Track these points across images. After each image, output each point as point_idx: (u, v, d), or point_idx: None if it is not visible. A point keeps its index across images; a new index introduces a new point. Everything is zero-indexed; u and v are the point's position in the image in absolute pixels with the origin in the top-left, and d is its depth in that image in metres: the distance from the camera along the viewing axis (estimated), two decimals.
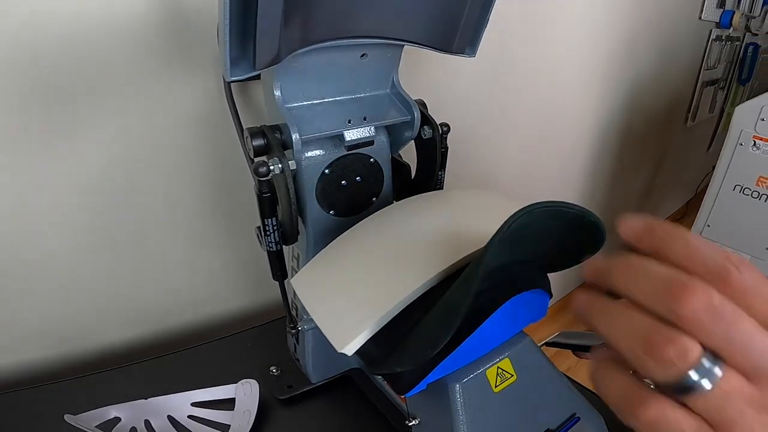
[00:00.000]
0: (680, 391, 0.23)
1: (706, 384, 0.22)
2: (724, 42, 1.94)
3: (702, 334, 0.22)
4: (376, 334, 0.38)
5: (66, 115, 0.55)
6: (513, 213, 0.31)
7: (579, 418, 0.48)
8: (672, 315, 0.23)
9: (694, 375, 0.22)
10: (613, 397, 0.25)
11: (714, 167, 1.37)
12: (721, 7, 1.77)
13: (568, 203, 0.33)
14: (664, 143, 1.94)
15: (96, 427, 0.52)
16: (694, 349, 0.22)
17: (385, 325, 0.38)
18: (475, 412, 0.44)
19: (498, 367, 0.45)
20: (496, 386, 0.45)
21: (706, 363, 0.22)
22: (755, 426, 0.22)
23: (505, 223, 0.31)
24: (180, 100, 0.61)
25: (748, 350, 0.22)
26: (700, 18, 1.71)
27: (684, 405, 0.23)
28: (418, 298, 0.39)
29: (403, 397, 0.53)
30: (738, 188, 1.32)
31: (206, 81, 0.62)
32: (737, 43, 2.06)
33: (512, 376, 0.46)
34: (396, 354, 0.38)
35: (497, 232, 0.32)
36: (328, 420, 0.59)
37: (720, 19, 1.79)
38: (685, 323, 0.22)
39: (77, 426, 0.50)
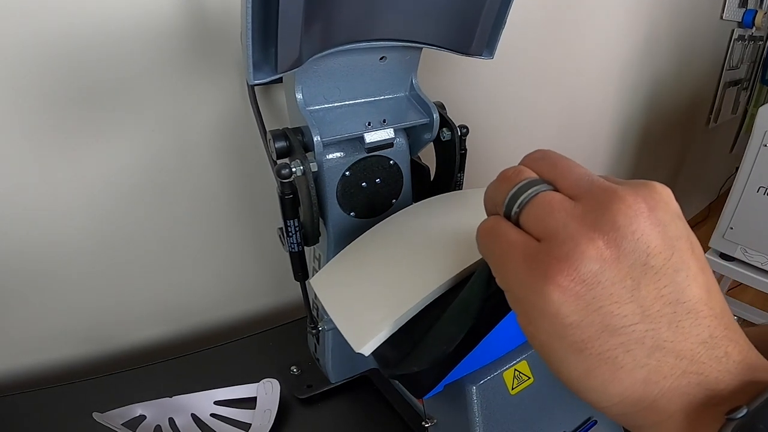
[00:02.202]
0: (512, 203, 0.26)
1: (531, 194, 0.25)
2: (746, 41, 1.90)
3: (537, 167, 0.27)
4: (393, 336, 0.38)
5: (94, 115, 0.56)
6: None
7: (596, 422, 0.48)
8: (521, 164, 0.28)
9: (523, 187, 0.26)
10: (477, 230, 0.28)
11: (737, 169, 1.35)
12: (743, 7, 1.74)
13: None
14: (686, 144, 1.91)
15: (122, 424, 0.53)
16: (527, 171, 0.27)
17: (402, 327, 0.38)
18: (492, 413, 0.44)
19: (515, 369, 0.45)
20: (512, 388, 0.45)
21: (536, 182, 0.26)
22: (575, 233, 0.22)
23: None
24: (204, 102, 0.63)
25: (569, 175, 0.25)
26: (721, 17, 1.68)
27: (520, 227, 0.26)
28: (435, 299, 0.39)
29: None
30: (762, 190, 1.29)
31: (230, 84, 0.63)
32: (760, 42, 2.02)
33: (529, 378, 0.46)
34: (413, 354, 0.38)
35: None
36: (346, 419, 0.59)
37: (742, 19, 1.77)
38: (526, 163, 0.28)
39: (105, 423, 0.51)
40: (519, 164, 0.28)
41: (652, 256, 0.22)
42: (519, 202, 0.25)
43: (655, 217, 0.22)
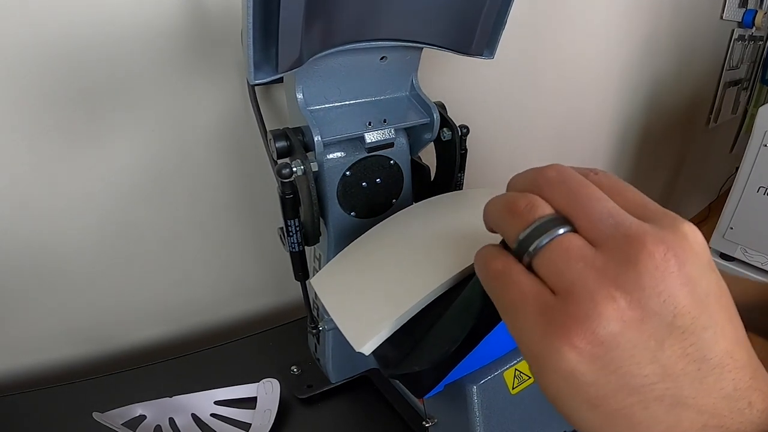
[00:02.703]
0: (526, 245, 0.23)
1: (546, 239, 0.23)
2: (746, 41, 1.90)
3: (552, 196, 0.24)
4: (393, 336, 0.38)
5: (94, 115, 0.56)
6: None
7: None
8: (533, 186, 0.25)
9: (538, 229, 0.23)
10: (476, 260, 0.26)
11: (737, 169, 1.35)
12: (743, 7, 1.74)
13: None
14: (686, 144, 1.91)
15: (122, 424, 0.53)
16: (542, 205, 0.24)
17: (402, 327, 0.38)
18: (492, 413, 0.45)
19: (516, 369, 0.45)
20: (513, 388, 0.45)
21: (552, 222, 0.23)
22: (595, 290, 0.21)
23: None
24: (205, 102, 0.63)
25: (590, 212, 0.22)
26: (721, 17, 1.68)
27: (533, 272, 0.23)
28: (435, 299, 0.39)
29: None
30: (762, 190, 1.29)
31: (231, 84, 0.63)
32: (760, 42, 2.02)
33: (530, 378, 0.46)
34: (414, 354, 0.38)
35: None
36: (347, 419, 0.59)
37: (742, 19, 1.77)
38: (541, 188, 0.24)
39: (105, 423, 0.51)
40: (530, 183, 0.25)
41: (679, 316, 0.20)
42: (533, 246, 0.23)
43: (685, 274, 0.20)
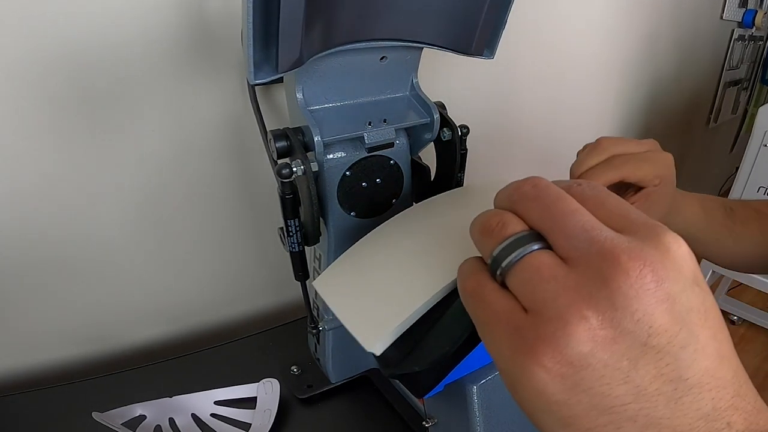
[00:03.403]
0: (498, 263, 0.23)
1: (517, 257, 0.22)
2: (746, 41, 1.91)
3: (526, 212, 0.23)
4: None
5: (94, 116, 0.57)
6: None
7: None
8: (509, 202, 0.24)
9: (509, 247, 0.23)
10: (458, 275, 0.26)
11: (737, 169, 1.35)
12: (743, 7, 1.74)
13: None
14: (686, 144, 1.91)
15: (122, 424, 0.53)
16: (514, 222, 0.23)
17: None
18: (492, 413, 0.45)
19: None
20: None
21: (524, 240, 0.23)
22: (564, 310, 0.20)
23: None
24: (205, 102, 0.63)
25: (563, 228, 0.22)
26: (721, 17, 1.68)
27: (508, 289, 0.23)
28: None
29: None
30: (762, 190, 1.29)
31: (231, 84, 0.63)
32: (760, 42, 2.02)
33: None
34: (414, 354, 0.38)
35: None
36: (347, 419, 0.59)
37: (742, 19, 1.77)
38: (515, 204, 0.24)
39: (105, 423, 0.51)
40: (506, 199, 0.25)
41: (654, 335, 0.19)
42: (505, 263, 0.23)
43: (663, 291, 0.20)
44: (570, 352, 0.20)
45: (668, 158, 0.52)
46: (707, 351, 0.20)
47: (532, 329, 0.21)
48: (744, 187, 1.32)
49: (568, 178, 1.37)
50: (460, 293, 0.26)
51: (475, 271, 0.25)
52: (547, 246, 0.22)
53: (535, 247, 0.22)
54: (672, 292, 0.20)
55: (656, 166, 0.50)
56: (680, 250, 0.21)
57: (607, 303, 0.19)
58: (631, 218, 0.22)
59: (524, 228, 0.23)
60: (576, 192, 0.24)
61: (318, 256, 0.56)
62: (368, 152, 0.49)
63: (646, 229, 0.21)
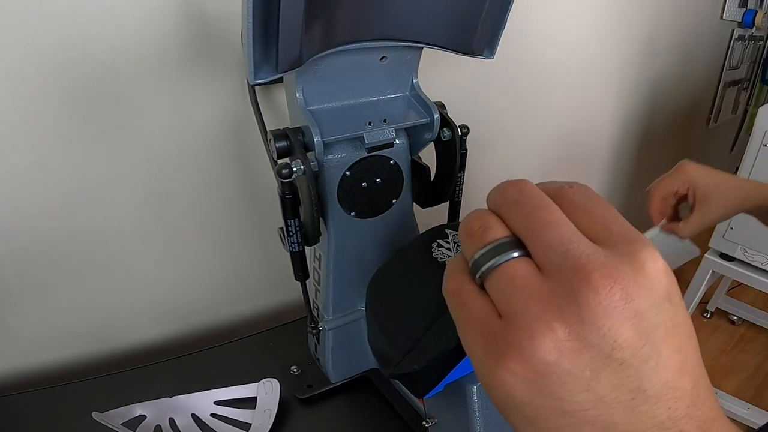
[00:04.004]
0: (477, 267, 0.24)
1: (494, 263, 0.23)
2: (746, 41, 1.91)
3: (509, 217, 0.24)
4: (393, 335, 0.38)
5: (94, 116, 0.57)
6: None
7: None
8: (494, 205, 0.25)
9: (488, 253, 0.23)
10: (444, 275, 0.26)
11: (737, 169, 1.35)
12: (743, 7, 1.74)
13: None
14: (686, 144, 1.91)
15: (122, 424, 0.53)
16: (496, 227, 0.24)
17: (401, 326, 0.38)
18: (492, 413, 0.45)
19: None
20: None
21: (503, 246, 0.23)
22: (534, 321, 0.21)
23: None
24: (205, 102, 0.63)
25: (541, 238, 0.22)
26: (721, 17, 1.68)
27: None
28: (435, 298, 0.39)
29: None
30: None
31: (231, 84, 0.63)
32: (760, 42, 2.02)
33: None
34: (414, 352, 0.38)
35: None
36: (347, 419, 0.59)
37: (742, 19, 1.77)
38: (500, 207, 0.24)
39: (105, 423, 0.51)
40: (492, 202, 0.25)
41: (618, 349, 0.20)
42: (483, 269, 0.23)
43: (631, 308, 0.20)
44: (535, 360, 0.21)
45: (683, 166, 0.69)
46: (669, 364, 0.21)
47: (503, 336, 0.22)
48: None
49: (571, 177, 1.38)
50: (443, 291, 0.26)
51: (458, 272, 0.25)
52: (527, 253, 0.23)
53: (514, 254, 0.23)
54: (640, 309, 0.20)
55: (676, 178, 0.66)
56: (655, 266, 0.21)
57: (574, 317, 0.20)
58: (613, 230, 0.22)
59: (505, 234, 0.24)
60: (566, 194, 0.24)
61: (318, 256, 0.56)
62: (368, 152, 0.49)
63: (625, 243, 0.22)
